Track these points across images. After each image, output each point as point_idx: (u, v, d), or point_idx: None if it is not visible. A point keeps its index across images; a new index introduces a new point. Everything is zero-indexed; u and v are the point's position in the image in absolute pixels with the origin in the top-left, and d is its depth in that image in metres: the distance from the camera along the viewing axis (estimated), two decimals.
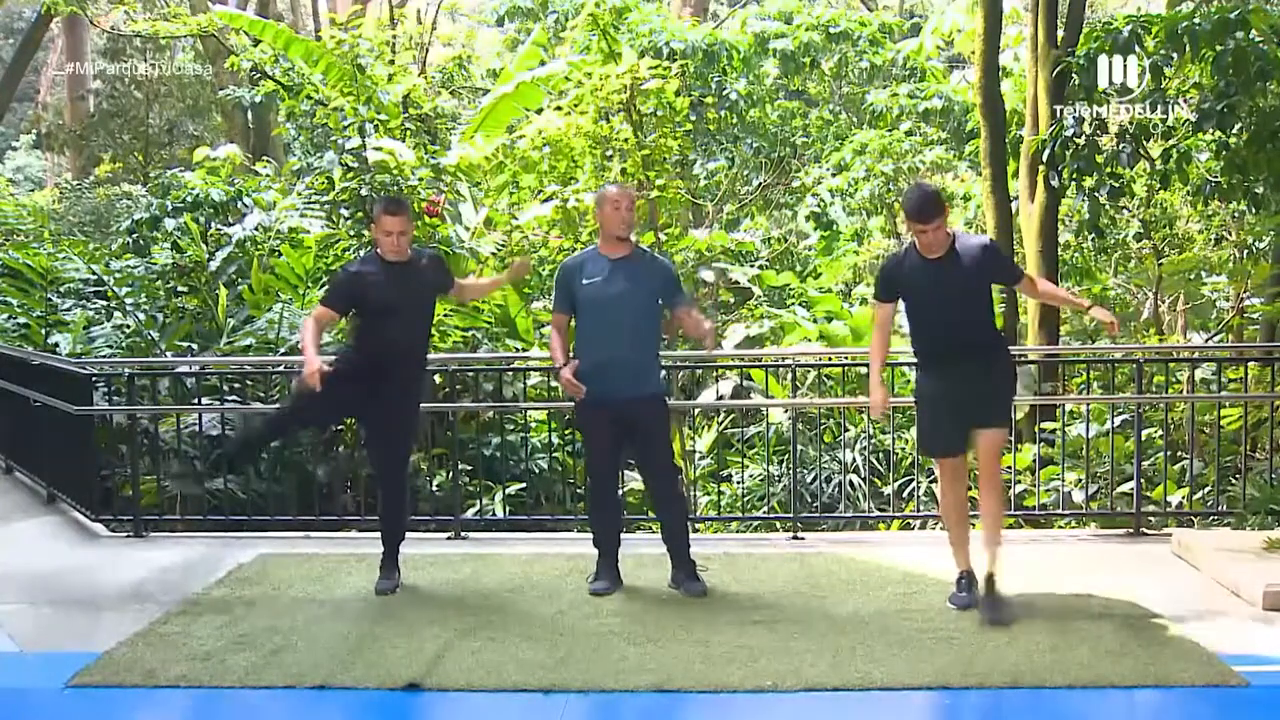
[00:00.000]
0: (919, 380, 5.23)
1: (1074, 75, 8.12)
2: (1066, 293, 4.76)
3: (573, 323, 5.31)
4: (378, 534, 5.64)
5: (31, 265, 9.80)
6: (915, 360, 5.22)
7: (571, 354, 5.26)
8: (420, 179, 9.33)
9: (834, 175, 14.01)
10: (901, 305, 5.12)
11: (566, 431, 7.84)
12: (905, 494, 8.20)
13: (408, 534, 5.66)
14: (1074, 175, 8.18)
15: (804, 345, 10.69)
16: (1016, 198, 9.35)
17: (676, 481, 5.50)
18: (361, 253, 7.72)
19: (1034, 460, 7.27)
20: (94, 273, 9.92)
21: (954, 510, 5.15)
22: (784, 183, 15.07)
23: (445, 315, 8.92)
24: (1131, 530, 6.41)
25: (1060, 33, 8.82)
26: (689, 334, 5.78)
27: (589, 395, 5.18)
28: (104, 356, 8.79)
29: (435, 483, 7.90)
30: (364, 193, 9.01)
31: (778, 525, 7.19)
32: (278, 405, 6.38)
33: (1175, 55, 7.63)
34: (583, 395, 5.15)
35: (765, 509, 8.16)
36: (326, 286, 5.54)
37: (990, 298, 5.25)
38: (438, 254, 6.09)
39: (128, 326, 9.50)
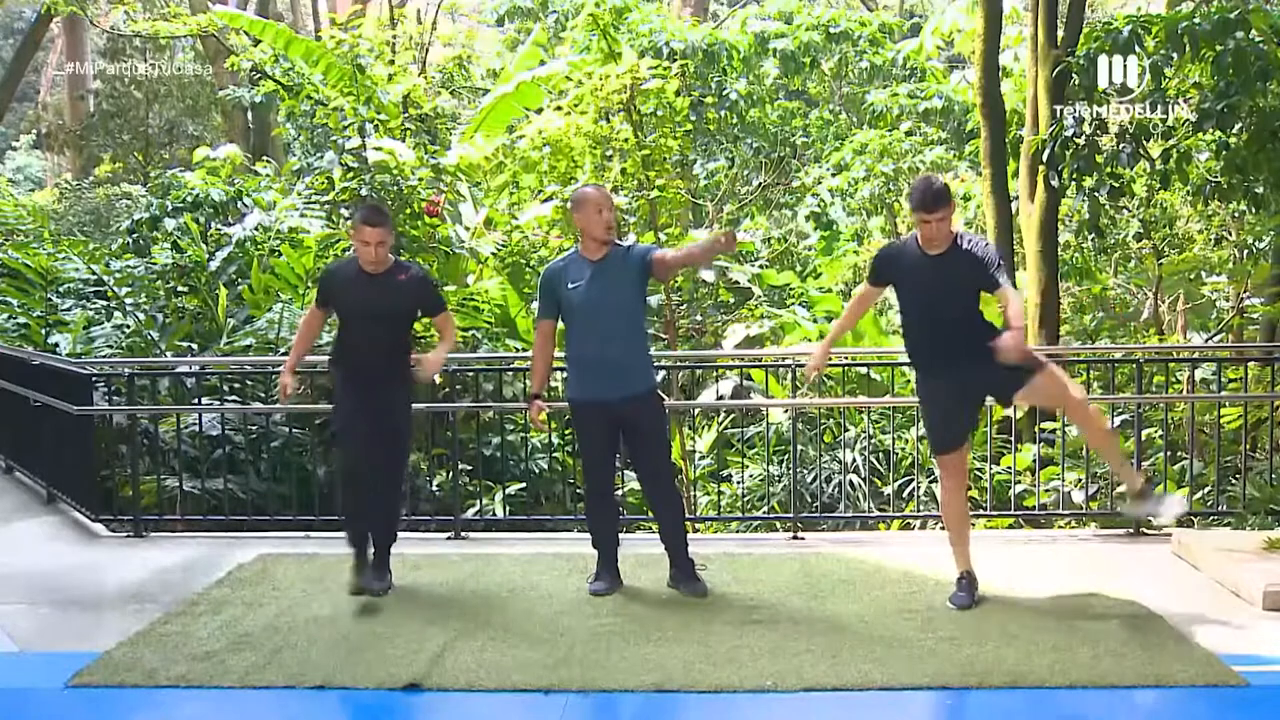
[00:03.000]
0: (918, 380, 5.22)
1: (1074, 75, 8.11)
2: (1014, 316, 4.72)
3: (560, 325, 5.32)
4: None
5: (31, 265, 9.81)
6: (911, 361, 5.19)
7: (561, 356, 5.29)
8: (420, 179, 9.34)
9: (834, 175, 14.01)
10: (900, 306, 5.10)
11: (566, 431, 7.84)
12: (905, 494, 8.20)
13: (408, 534, 5.65)
14: (1074, 175, 8.16)
15: (804, 345, 10.67)
16: (1016, 198, 9.35)
17: (672, 481, 5.49)
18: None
19: (1034, 460, 7.27)
20: (94, 273, 9.93)
21: (955, 510, 5.15)
22: (784, 183, 15.07)
23: None
24: (1131, 530, 6.41)
25: (1060, 33, 8.81)
26: (695, 261, 5.55)
27: (582, 396, 5.24)
28: (104, 356, 8.80)
29: (435, 483, 7.90)
30: (364, 193, 9.02)
31: (778, 525, 7.19)
32: (341, 475, 5.67)
33: (1175, 55, 7.62)
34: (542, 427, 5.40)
35: (765, 509, 8.16)
36: None
37: (979, 298, 5.17)
38: (428, 276, 5.75)
39: (128, 326, 9.51)
